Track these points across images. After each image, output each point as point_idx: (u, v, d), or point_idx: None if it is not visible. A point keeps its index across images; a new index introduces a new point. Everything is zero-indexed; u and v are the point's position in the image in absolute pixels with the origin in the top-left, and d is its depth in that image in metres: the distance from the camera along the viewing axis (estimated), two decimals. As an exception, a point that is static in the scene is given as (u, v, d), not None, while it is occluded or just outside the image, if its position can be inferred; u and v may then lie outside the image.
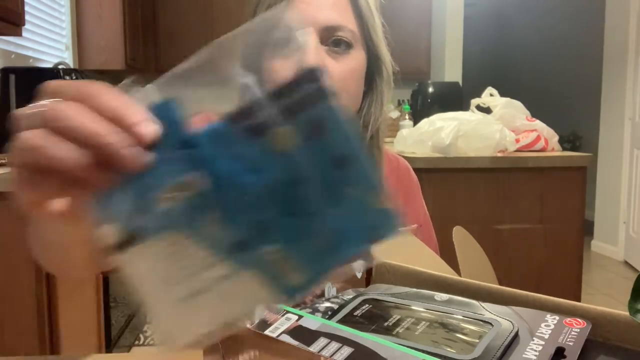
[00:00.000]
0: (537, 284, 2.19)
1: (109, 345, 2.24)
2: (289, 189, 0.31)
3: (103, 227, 0.32)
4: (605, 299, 3.45)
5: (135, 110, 0.31)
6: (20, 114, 0.33)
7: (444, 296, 0.53)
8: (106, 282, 2.16)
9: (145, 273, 0.33)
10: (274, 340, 0.44)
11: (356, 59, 0.76)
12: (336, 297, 0.59)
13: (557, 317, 0.47)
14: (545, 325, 0.46)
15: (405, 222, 0.34)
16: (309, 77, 0.31)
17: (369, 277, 0.66)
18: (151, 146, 0.31)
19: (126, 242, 0.32)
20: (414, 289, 0.56)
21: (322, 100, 0.31)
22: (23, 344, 1.60)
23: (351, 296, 0.56)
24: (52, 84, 0.33)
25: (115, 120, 0.31)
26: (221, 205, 0.32)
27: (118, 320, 2.40)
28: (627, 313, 0.46)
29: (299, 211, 0.31)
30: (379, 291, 0.56)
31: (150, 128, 0.31)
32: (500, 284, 0.56)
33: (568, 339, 0.44)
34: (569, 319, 0.47)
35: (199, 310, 0.33)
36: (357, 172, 0.31)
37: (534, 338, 0.44)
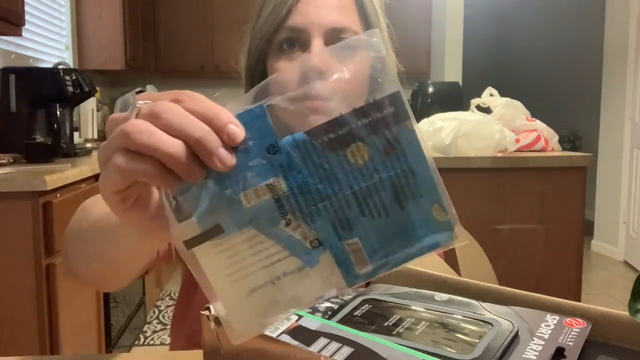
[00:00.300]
0: (537, 284, 2.19)
1: (109, 345, 2.24)
2: (365, 194, 0.35)
3: (184, 220, 0.34)
4: (605, 299, 3.45)
5: (225, 114, 0.34)
6: (118, 114, 0.36)
7: (444, 296, 0.53)
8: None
9: (217, 266, 0.35)
10: (274, 340, 0.44)
11: (361, 60, 0.76)
12: (336, 297, 0.59)
13: (557, 317, 0.47)
14: (545, 325, 0.46)
15: (462, 235, 0.37)
16: (391, 100, 0.35)
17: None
18: (238, 148, 0.34)
19: (204, 235, 0.35)
20: (414, 289, 0.56)
21: (400, 123, 0.35)
22: (23, 344, 1.60)
23: (351, 296, 0.56)
24: (146, 93, 0.36)
25: (208, 121, 0.34)
26: (301, 208, 0.35)
27: (118, 320, 2.40)
28: (627, 313, 0.46)
29: (374, 212, 0.36)
30: (379, 291, 0.56)
31: (238, 130, 0.34)
32: (500, 284, 0.56)
33: (568, 339, 0.44)
34: (569, 319, 0.47)
35: (269, 299, 0.36)
36: (425, 185, 0.35)
37: (534, 338, 0.44)
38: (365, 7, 0.76)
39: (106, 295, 2.21)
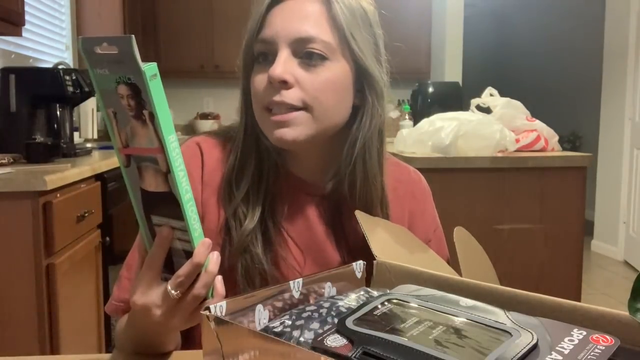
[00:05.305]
0: (537, 284, 2.18)
1: (109, 345, 2.24)
2: None
3: None
4: (605, 298, 3.45)
5: None
6: None
7: (469, 302, 0.52)
8: (106, 281, 2.16)
9: None
10: (274, 340, 0.44)
11: (332, 70, 0.74)
12: (367, 291, 0.59)
13: (585, 332, 0.46)
14: (568, 340, 0.45)
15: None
16: None
17: (369, 277, 0.65)
18: None
19: None
20: (441, 292, 0.55)
21: None
22: (23, 344, 1.59)
23: (378, 294, 0.56)
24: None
25: None
26: None
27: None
28: (627, 313, 0.46)
29: None
30: (405, 292, 0.56)
31: None
32: (501, 284, 0.56)
33: (590, 356, 0.43)
34: (596, 335, 0.45)
35: None
36: None
37: (552, 352, 0.43)
38: (336, 17, 0.74)
39: (106, 296, 2.21)
